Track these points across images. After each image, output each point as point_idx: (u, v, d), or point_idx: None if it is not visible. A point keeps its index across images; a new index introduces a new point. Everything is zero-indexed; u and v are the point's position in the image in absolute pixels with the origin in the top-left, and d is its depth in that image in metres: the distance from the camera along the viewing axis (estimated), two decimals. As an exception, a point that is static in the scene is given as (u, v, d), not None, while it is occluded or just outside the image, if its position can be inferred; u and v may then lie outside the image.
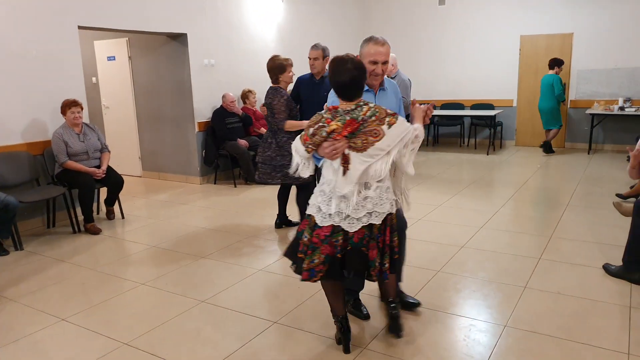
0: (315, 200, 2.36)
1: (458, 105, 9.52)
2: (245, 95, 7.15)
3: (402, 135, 2.25)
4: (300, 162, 2.34)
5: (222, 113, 6.70)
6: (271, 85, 4.22)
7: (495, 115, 8.50)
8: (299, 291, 3.26)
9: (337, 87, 2.26)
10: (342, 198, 2.25)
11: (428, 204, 5.34)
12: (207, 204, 5.75)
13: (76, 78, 5.26)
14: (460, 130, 9.55)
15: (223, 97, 6.70)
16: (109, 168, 5.08)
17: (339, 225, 2.27)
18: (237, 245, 4.26)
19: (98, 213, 5.47)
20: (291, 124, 4.09)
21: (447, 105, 9.63)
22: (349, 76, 2.20)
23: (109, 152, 5.19)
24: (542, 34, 8.66)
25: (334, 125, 2.19)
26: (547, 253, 3.84)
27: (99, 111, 7.63)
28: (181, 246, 4.29)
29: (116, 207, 5.30)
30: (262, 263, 3.82)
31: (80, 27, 5.29)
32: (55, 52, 5.02)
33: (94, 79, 7.55)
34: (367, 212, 2.25)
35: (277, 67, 4.17)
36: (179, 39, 6.55)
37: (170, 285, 3.45)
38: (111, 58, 7.24)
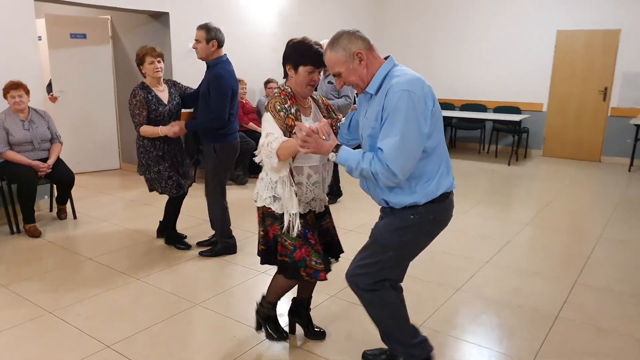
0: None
1: (479, 107, 8.54)
2: (235, 85, 6.38)
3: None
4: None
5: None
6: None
7: (521, 121, 7.51)
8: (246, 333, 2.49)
9: None
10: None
11: (428, 225, 4.48)
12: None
13: (29, 57, 4.59)
14: (480, 135, 8.57)
15: (208, 86, 5.96)
16: (59, 162, 4.42)
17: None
18: (184, 267, 3.51)
19: (51, 210, 4.83)
20: (146, 129, 3.49)
21: (467, 106, 8.66)
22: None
23: (61, 143, 4.52)
24: (583, 29, 7.58)
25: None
26: (567, 309, 2.96)
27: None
28: (120, 261, 3.58)
29: (69, 205, 4.65)
30: (203, 295, 3.06)
31: (36, -1, 4.63)
32: (8, 28, 4.36)
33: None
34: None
35: (137, 57, 3.53)
36: (160, 18, 5.83)
37: (80, 319, 2.73)
38: (80, 35, 6.46)
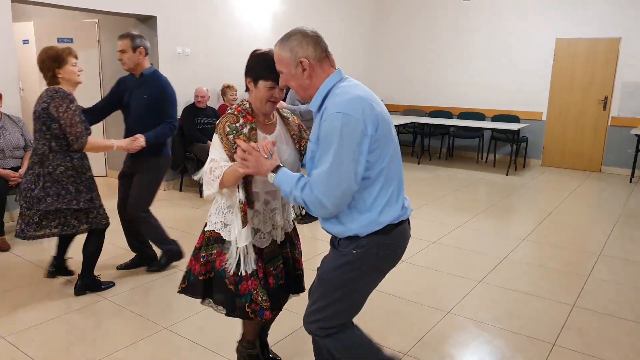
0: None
1: (477, 115, 8.34)
2: (224, 91, 6.20)
3: None
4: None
5: (192, 110, 5.78)
6: (47, 87, 2.87)
7: (519, 130, 7.30)
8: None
9: None
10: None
11: (419, 239, 4.27)
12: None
13: (5, 61, 4.40)
14: (478, 143, 8.36)
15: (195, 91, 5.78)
16: (32, 171, 4.20)
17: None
18: (156, 285, 3.28)
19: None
20: (94, 143, 2.91)
21: (465, 115, 8.46)
22: None
23: (35, 151, 4.30)
24: (583, 37, 7.40)
25: None
26: (565, 335, 2.73)
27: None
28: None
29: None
30: (172, 318, 2.83)
31: (14, 0, 4.44)
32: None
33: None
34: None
35: (51, 58, 2.81)
36: (148, 22, 5.65)
37: (34, 345, 2.50)
38: (66, 40, 6.31)
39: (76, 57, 2.91)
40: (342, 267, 1.71)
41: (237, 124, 1.82)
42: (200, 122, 5.75)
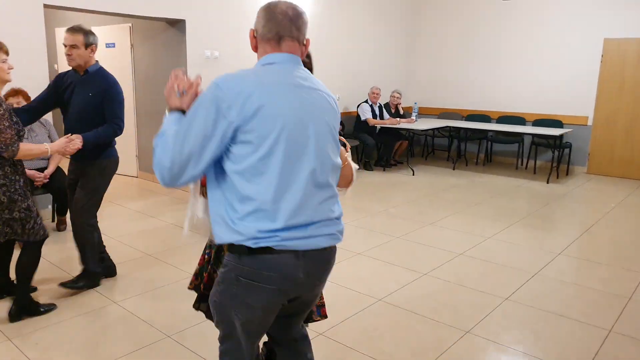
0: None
1: (517, 120, 7.94)
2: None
3: None
4: None
5: (219, 113, 5.77)
6: None
7: (562, 135, 6.89)
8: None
9: None
10: None
11: (443, 250, 4.04)
12: (172, 220, 4.79)
13: (37, 65, 4.51)
14: (518, 149, 7.96)
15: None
16: (57, 172, 4.29)
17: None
18: (167, 290, 3.23)
19: (53, 220, 4.71)
20: (27, 150, 2.58)
21: (504, 119, 8.08)
22: None
23: (62, 152, 4.38)
24: (634, 37, 6.91)
25: None
26: (596, 364, 2.48)
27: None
28: (103, 280, 3.35)
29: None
30: (179, 325, 2.76)
31: (46, 6, 4.55)
32: (18, 33, 4.29)
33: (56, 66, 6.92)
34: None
35: None
36: (177, 25, 5.68)
37: (37, 349, 2.49)
38: (110, 45, 6.52)
39: (7, 53, 2.63)
40: (219, 286, 1.50)
41: None
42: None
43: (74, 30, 2.96)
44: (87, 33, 2.98)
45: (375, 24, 8.08)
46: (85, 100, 3.01)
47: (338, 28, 7.45)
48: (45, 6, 4.54)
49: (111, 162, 3.19)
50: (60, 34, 7.02)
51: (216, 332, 1.58)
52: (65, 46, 2.96)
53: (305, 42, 1.53)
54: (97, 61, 3.11)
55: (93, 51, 3.02)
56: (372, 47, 8.05)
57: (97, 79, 3.04)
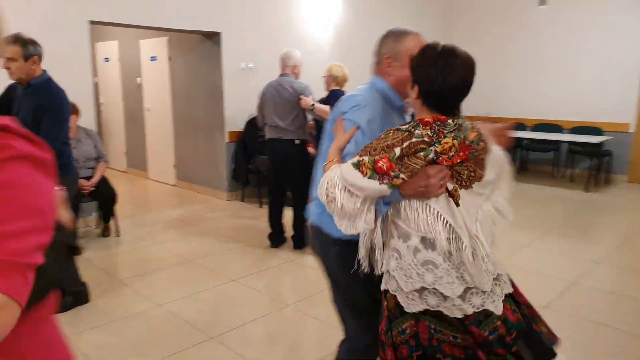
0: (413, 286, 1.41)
1: (554, 127, 7.80)
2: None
3: (501, 164, 1.53)
4: (356, 207, 1.39)
5: (255, 124, 5.90)
6: None
7: (602, 143, 6.72)
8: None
9: (438, 92, 1.43)
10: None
11: (480, 259, 4.02)
12: (210, 226, 4.92)
13: (83, 79, 4.76)
14: (555, 157, 7.80)
15: (258, 105, 5.91)
16: (103, 180, 4.49)
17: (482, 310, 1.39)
18: (209, 294, 3.34)
19: (98, 227, 4.92)
20: None
21: (540, 127, 7.94)
22: (461, 77, 1.43)
23: (106, 162, 4.60)
24: (676, 41, 6.71)
25: (449, 142, 1.37)
26: (639, 375, 2.43)
27: (140, 113, 7.26)
28: (143, 283, 3.49)
29: (113, 222, 4.70)
30: (220, 327, 2.85)
31: (92, 22, 4.80)
32: (63, 49, 4.55)
33: (138, 79, 7.17)
34: (494, 279, 1.44)
35: None
36: (213, 38, 5.87)
37: (90, 347, 2.63)
38: (154, 58, 6.81)
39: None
40: None
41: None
42: (262, 135, 5.84)
43: (11, 40, 2.71)
44: (26, 43, 2.76)
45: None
46: (30, 114, 2.79)
47: (369, 36, 7.51)
48: (91, 22, 4.79)
49: (69, 179, 2.93)
50: (100, 48, 7.39)
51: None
52: (5, 59, 2.71)
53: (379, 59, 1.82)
54: (44, 71, 2.88)
55: (36, 62, 2.80)
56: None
57: (41, 92, 2.83)
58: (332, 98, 4.17)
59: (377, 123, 1.61)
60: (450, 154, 1.36)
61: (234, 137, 6.04)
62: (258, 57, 6.13)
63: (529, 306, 1.53)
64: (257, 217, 5.37)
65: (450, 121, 1.41)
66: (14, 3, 4.26)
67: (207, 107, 6.14)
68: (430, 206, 1.39)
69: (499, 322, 1.38)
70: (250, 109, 6.03)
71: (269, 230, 4.38)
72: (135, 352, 2.61)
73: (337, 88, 4.38)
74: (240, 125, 6.05)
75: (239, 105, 6.02)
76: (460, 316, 1.38)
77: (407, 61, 1.54)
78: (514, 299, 1.49)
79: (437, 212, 1.39)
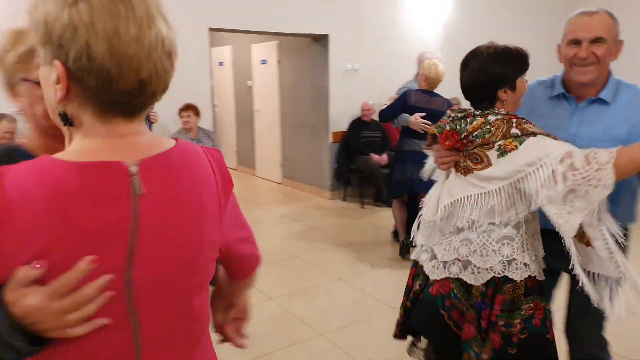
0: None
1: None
2: (390, 105, 6.24)
3: (522, 168, 1.45)
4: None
5: (358, 124, 5.95)
6: None
7: None
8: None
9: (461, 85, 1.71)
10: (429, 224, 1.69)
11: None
12: (315, 223, 5.04)
13: (203, 82, 5.13)
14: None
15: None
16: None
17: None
18: (319, 291, 3.43)
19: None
20: None
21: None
22: (469, 75, 1.68)
23: (222, 161, 4.91)
24: None
25: (434, 128, 1.69)
26: None
27: (250, 114, 7.65)
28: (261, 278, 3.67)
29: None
30: (332, 324, 2.92)
31: (211, 29, 5.15)
32: (186, 55, 4.93)
33: (249, 82, 7.56)
34: (458, 259, 1.56)
35: None
36: (321, 41, 6.01)
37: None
38: (264, 62, 7.13)
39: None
40: None
41: None
42: (365, 135, 5.88)
43: None
44: None
45: (522, 24, 7.59)
46: None
47: (483, 30, 7.18)
48: (211, 29, 5.13)
49: None
50: (215, 53, 7.83)
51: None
52: None
53: None
54: None
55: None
56: (522, 47, 7.59)
57: None
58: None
59: None
60: (445, 141, 1.60)
61: (338, 138, 6.14)
62: (362, 58, 6.16)
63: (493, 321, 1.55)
64: (360, 216, 5.41)
65: (453, 113, 1.65)
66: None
67: (313, 108, 6.30)
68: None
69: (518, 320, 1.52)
70: (354, 108, 6.09)
71: (401, 237, 4.10)
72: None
73: (426, 89, 3.95)
74: (343, 126, 6.12)
75: (343, 106, 6.10)
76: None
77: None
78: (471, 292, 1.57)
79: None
